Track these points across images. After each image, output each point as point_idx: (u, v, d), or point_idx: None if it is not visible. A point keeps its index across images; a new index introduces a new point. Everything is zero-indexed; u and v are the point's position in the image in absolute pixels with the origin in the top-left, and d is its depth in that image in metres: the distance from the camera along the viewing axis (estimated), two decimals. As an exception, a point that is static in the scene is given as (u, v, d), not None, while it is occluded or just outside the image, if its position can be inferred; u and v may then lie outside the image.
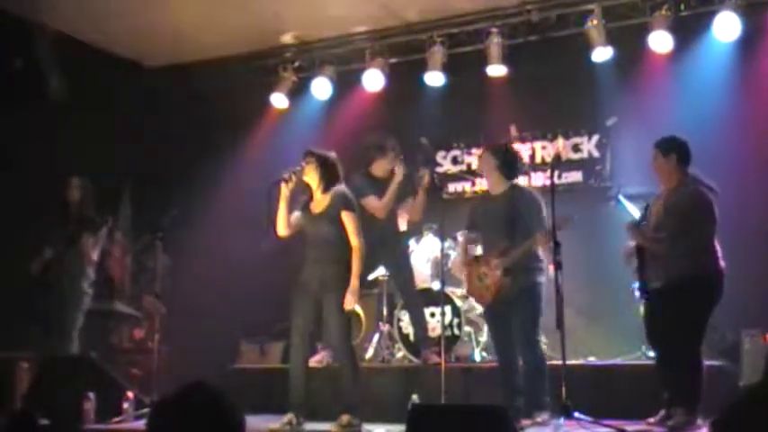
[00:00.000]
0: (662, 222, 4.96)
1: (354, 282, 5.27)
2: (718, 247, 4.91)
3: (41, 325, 6.23)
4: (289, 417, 5.26)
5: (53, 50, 6.96)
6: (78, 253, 6.33)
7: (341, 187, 5.44)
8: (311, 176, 5.40)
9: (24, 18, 6.98)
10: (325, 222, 5.34)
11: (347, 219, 5.33)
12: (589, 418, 4.75)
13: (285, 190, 5.36)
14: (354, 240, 5.32)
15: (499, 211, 5.42)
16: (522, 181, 6.17)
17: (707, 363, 4.96)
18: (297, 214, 5.46)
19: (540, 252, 5.37)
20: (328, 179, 5.41)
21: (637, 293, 5.23)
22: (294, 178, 5.36)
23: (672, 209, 4.92)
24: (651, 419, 4.95)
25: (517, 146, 7.57)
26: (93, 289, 6.44)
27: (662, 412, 4.95)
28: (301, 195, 5.51)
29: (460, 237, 6.00)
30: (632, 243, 5.12)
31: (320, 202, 5.41)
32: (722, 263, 4.90)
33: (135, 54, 8.32)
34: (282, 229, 5.44)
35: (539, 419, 5.12)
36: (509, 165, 5.50)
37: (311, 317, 5.35)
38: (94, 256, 6.43)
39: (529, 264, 5.34)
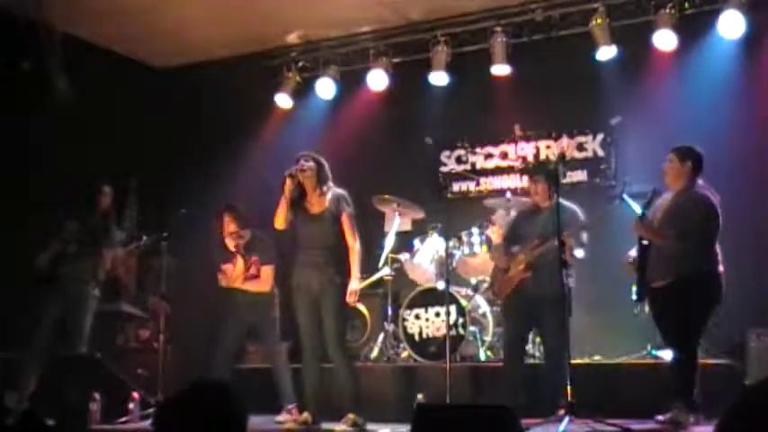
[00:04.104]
0: (668, 221, 5.00)
1: (354, 283, 5.29)
2: (718, 251, 4.96)
3: (49, 327, 6.10)
4: (305, 416, 5.30)
5: (59, 51, 6.96)
6: (93, 259, 6.20)
7: (338, 189, 5.46)
8: (309, 178, 5.39)
9: (31, 19, 6.99)
10: (323, 223, 5.35)
11: (345, 219, 5.35)
12: (594, 417, 4.74)
13: (290, 184, 5.36)
14: (351, 240, 5.36)
15: (544, 218, 5.51)
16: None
17: (713, 361, 4.97)
18: (289, 215, 5.42)
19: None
20: (324, 181, 5.43)
21: (634, 296, 5.23)
22: (298, 176, 5.36)
23: (679, 210, 4.99)
24: (660, 417, 4.92)
25: (521, 145, 7.61)
26: (101, 292, 6.36)
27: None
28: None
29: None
30: (633, 254, 5.14)
31: (317, 203, 5.41)
32: (721, 267, 4.94)
33: (142, 54, 8.34)
34: (281, 223, 5.41)
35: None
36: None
37: (315, 317, 5.35)
38: (108, 264, 6.35)
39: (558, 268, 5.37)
